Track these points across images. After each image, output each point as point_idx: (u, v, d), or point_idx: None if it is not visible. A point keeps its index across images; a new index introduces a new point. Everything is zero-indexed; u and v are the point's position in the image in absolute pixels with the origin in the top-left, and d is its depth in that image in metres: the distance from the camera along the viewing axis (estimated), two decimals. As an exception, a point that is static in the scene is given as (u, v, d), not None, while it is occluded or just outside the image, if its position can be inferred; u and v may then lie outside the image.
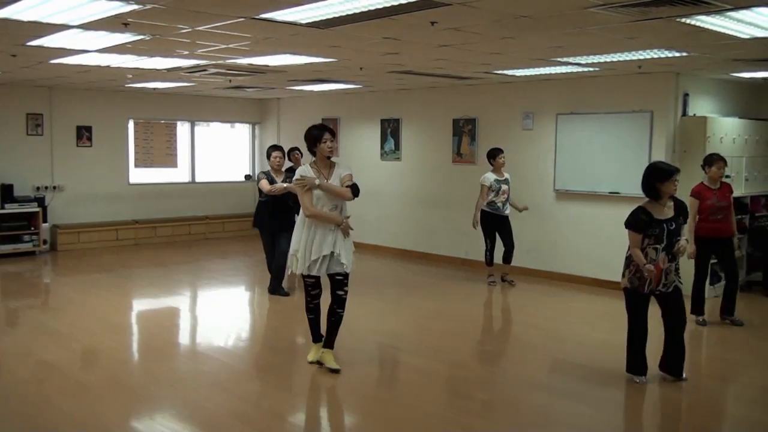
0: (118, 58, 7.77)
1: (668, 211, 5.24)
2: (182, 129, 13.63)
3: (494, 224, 9.08)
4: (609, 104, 8.97)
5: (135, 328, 7.56)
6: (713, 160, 7.15)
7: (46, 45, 6.83)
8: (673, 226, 5.21)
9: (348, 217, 5.56)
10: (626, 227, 5.27)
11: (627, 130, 8.75)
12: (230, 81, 10.20)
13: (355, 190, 5.48)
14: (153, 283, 9.41)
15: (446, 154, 10.95)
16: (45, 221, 11.55)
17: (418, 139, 11.46)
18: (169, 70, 8.86)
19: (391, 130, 11.82)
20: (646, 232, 5.17)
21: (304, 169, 5.60)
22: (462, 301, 8.49)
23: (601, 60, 7.38)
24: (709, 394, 5.55)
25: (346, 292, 5.59)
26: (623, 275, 5.40)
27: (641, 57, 7.08)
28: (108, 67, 8.56)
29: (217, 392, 5.29)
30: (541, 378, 5.77)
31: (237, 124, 14.67)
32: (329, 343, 5.75)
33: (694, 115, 8.65)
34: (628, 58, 7.20)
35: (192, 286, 9.55)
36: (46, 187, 11.86)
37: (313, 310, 5.79)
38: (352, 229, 5.54)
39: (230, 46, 6.78)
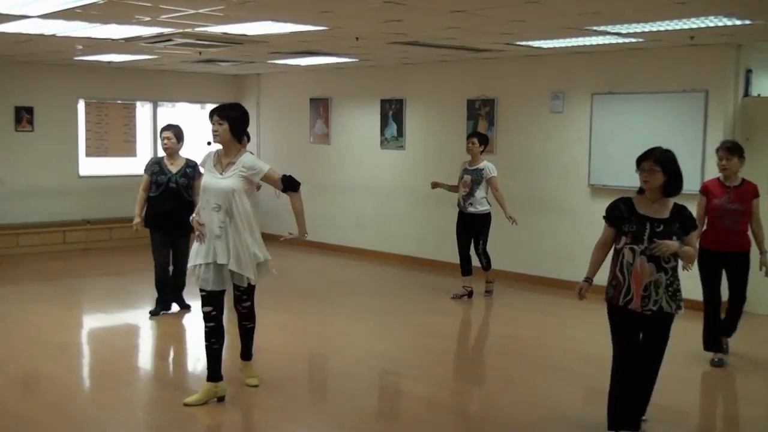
0: (65, 25, 7.76)
1: (660, 210, 4.86)
2: (142, 111, 13.61)
3: (459, 224, 9.31)
4: (655, 82, 8.97)
5: (85, 350, 7.55)
6: (717, 149, 6.78)
7: (-23, 9, 6.83)
8: (661, 228, 4.79)
9: (200, 224, 5.44)
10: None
11: (676, 113, 8.75)
12: (200, 53, 10.20)
13: (288, 183, 5.60)
14: (107, 296, 9.41)
15: (459, 141, 10.92)
16: (-23, 221, 11.57)
17: (425, 124, 11.45)
18: (126, 40, 8.85)
19: (393, 112, 11.82)
20: (622, 228, 4.87)
21: (205, 158, 5.62)
22: (475, 317, 8.49)
23: (646, 29, 7.37)
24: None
25: (246, 308, 5.79)
26: None
27: (694, 26, 7.07)
28: (53, 36, 8.56)
29: (182, 424, 5.28)
30: (570, 410, 5.77)
31: (208, 105, 14.65)
32: (245, 353, 5.99)
33: (759, 95, 8.65)
34: (677, 27, 7.18)
35: (153, 298, 9.54)
36: (-21, 180, 11.88)
37: (208, 335, 5.61)
38: (203, 236, 5.42)
39: (200, 11, 6.77)
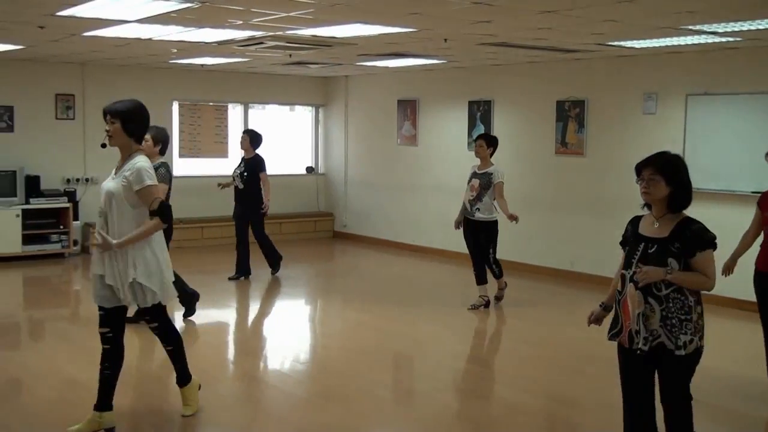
0: (161, 29, 7.99)
1: (662, 228, 4.07)
2: (234, 113, 13.90)
3: (467, 231, 8.82)
4: (752, 83, 8.73)
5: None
6: (766, 154, 6.18)
7: (78, 15, 7.07)
8: (654, 249, 4.02)
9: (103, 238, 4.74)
10: None
11: (776, 114, 8.52)
12: (290, 56, 10.35)
13: (161, 213, 4.86)
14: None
15: (548, 143, 10.84)
16: (76, 219, 11.97)
17: (513, 126, 11.37)
18: (219, 43, 9.05)
19: (480, 114, 11.77)
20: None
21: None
22: (563, 321, 8.38)
23: (744, 28, 7.17)
24: None
25: (155, 327, 5.21)
26: None
27: (795, 24, 6.87)
28: (149, 40, 8.82)
29: (273, 423, 5.38)
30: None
31: (297, 107, 14.87)
32: (177, 378, 5.39)
33: None
34: (778, 26, 6.99)
35: (244, 297, 9.72)
36: (78, 180, 12.30)
37: (102, 358, 4.99)
38: (106, 245, 4.72)
39: (291, 14, 6.88)
